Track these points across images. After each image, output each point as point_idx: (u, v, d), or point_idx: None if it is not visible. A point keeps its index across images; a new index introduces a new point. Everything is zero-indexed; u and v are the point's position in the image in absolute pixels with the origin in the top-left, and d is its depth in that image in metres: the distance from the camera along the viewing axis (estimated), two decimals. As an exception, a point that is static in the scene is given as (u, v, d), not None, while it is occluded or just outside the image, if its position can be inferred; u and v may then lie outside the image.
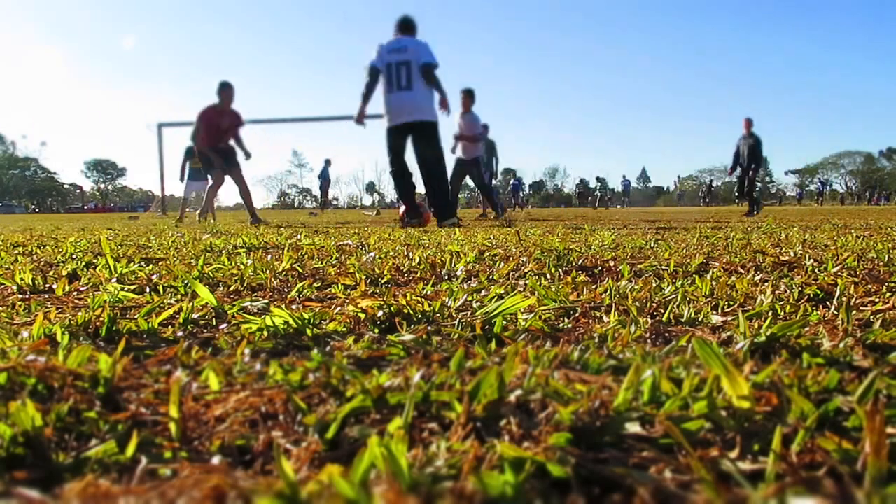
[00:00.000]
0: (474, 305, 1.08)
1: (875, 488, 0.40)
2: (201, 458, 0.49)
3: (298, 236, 3.37)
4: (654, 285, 1.30)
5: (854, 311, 1.00)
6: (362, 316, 1.01)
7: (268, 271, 1.57)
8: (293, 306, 1.13)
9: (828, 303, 1.14)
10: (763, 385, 0.59)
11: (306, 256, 2.09)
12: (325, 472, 0.40)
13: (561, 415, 0.52)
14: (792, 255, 1.97)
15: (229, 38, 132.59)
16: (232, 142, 7.22)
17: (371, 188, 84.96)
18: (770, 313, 0.98)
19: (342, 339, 0.88)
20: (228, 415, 0.57)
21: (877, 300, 1.12)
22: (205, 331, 0.95)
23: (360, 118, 5.47)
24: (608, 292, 1.19)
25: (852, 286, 1.26)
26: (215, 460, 0.48)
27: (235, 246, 2.64)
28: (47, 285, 1.43)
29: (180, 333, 0.92)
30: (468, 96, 8.41)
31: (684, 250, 2.24)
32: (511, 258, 1.91)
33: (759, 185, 9.56)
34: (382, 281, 1.49)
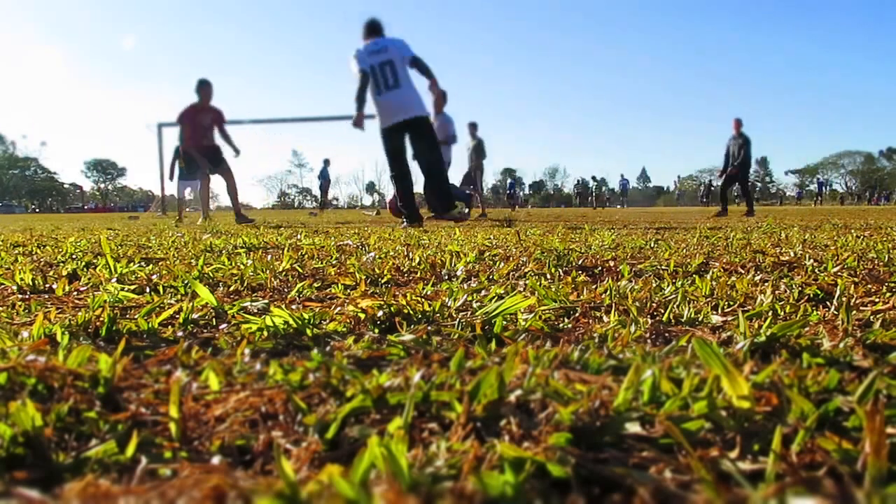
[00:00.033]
0: (474, 305, 1.08)
1: (875, 488, 0.40)
2: (201, 458, 0.49)
3: (298, 236, 3.37)
4: (654, 285, 1.30)
5: (854, 311, 1.00)
6: (362, 316, 1.00)
7: (268, 271, 1.57)
8: (293, 306, 1.13)
9: (828, 303, 1.14)
10: (763, 385, 0.59)
11: (306, 256, 2.09)
12: (325, 472, 0.40)
13: (561, 415, 0.52)
14: (792, 255, 1.97)
15: (229, 38, 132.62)
16: (219, 138, 7.17)
17: (371, 188, 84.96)
18: (770, 313, 0.98)
19: (342, 339, 0.88)
20: (228, 415, 0.57)
21: (877, 300, 1.12)
22: (205, 331, 0.95)
23: (360, 121, 5.41)
24: (608, 292, 1.19)
25: (852, 286, 1.26)
26: (215, 460, 0.48)
27: (235, 246, 2.64)
28: (47, 285, 1.43)
29: (180, 333, 0.92)
30: (440, 97, 8.38)
31: (684, 250, 2.24)
32: (511, 258, 1.91)
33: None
34: (382, 281, 1.49)
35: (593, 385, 0.60)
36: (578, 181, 35.85)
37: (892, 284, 1.33)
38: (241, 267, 1.68)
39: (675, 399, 0.55)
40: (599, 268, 1.72)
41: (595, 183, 33.94)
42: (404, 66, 5.27)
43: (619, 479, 0.43)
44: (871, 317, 0.97)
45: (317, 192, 17.50)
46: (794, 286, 1.29)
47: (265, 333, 0.89)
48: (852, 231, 3.61)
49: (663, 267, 1.69)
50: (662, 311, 1.06)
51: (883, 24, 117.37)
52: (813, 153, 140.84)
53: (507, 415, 0.54)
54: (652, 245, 2.47)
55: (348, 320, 0.99)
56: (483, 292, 1.22)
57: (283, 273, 1.61)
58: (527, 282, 1.37)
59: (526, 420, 0.53)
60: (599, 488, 0.43)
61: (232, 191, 7.25)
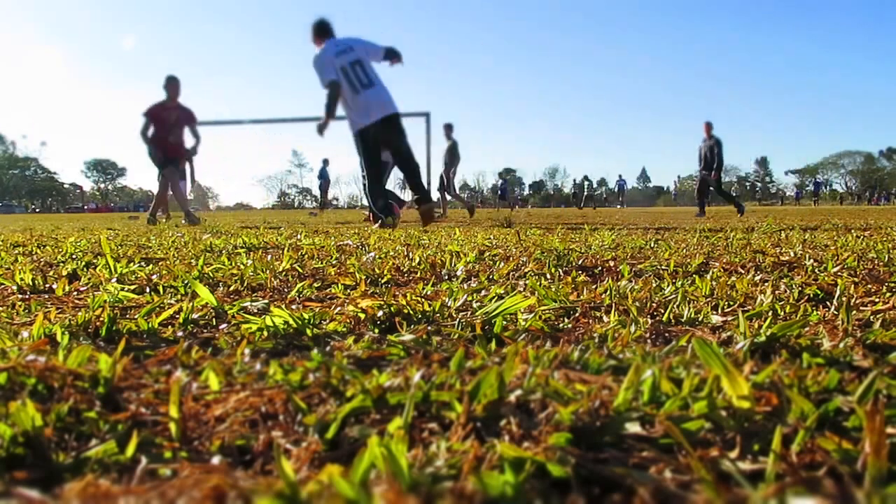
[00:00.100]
0: (474, 305, 1.08)
1: (875, 488, 0.40)
2: (201, 458, 0.49)
3: (298, 236, 3.37)
4: (654, 285, 1.30)
5: (854, 311, 1.00)
6: (362, 316, 1.00)
7: (268, 271, 1.57)
8: (293, 306, 1.13)
9: (828, 303, 1.14)
10: (763, 385, 0.59)
11: (306, 256, 2.09)
12: (325, 472, 0.40)
13: (561, 415, 0.52)
14: (792, 255, 1.97)
15: (229, 38, 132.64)
16: (188, 136, 7.22)
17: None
18: (770, 313, 0.98)
19: (342, 339, 0.88)
20: (228, 415, 0.57)
21: (877, 300, 1.12)
22: (205, 331, 0.95)
23: (323, 129, 5.32)
24: (608, 292, 1.19)
25: (852, 286, 1.26)
26: (215, 460, 0.48)
27: (235, 246, 2.64)
28: (47, 285, 1.43)
29: (180, 333, 0.92)
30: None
31: (684, 250, 2.24)
32: (511, 258, 1.91)
33: (712, 187, 9.58)
34: (382, 281, 1.49)
35: (593, 385, 0.60)
36: (575, 182, 35.57)
37: (892, 284, 1.33)
38: (241, 267, 1.68)
39: (675, 399, 0.55)
40: (599, 268, 1.72)
41: (588, 183, 33.63)
42: (371, 62, 5.24)
43: (619, 479, 0.43)
44: (871, 317, 0.97)
45: (317, 192, 17.47)
46: (794, 286, 1.29)
47: (265, 333, 0.89)
48: (852, 231, 3.61)
49: (663, 267, 1.69)
50: (662, 311, 1.06)
51: (883, 24, 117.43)
52: (813, 153, 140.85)
53: (507, 415, 0.54)
54: (652, 245, 2.47)
55: (348, 320, 0.99)
56: (483, 292, 1.22)
57: (283, 273, 1.61)
58: (527, 282, 1.37)
59: (526, 420, 0.53)
60: (599, 488, 0.43)
61: (176, 192, 7.27)
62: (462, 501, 0.39)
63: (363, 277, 1.44)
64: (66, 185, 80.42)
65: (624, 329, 0.87)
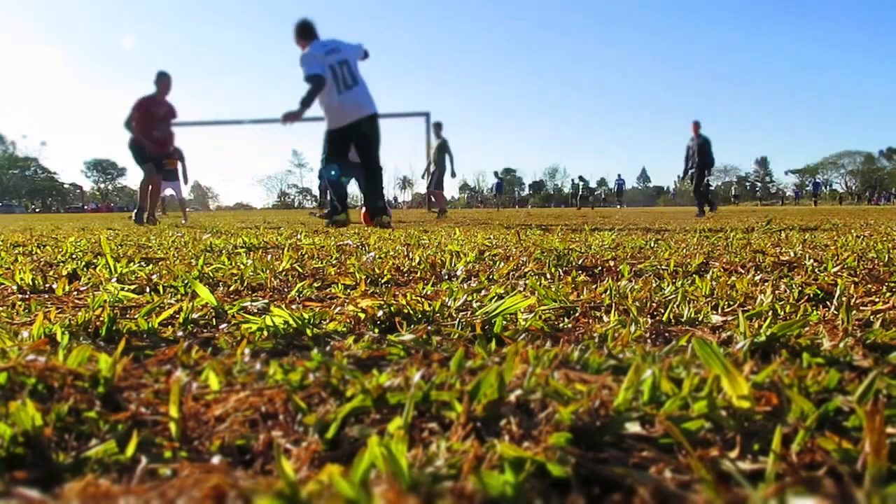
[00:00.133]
0: (474, 305, 1.08)
1: (875, 488, 0.40)
2: (201, 458, 0.49)
3: (298, 236, 3.37)
4: (654, 285, 1.30)
5: (854, 311, 1.00)
6: (362, 316, 1.00)
7: (268, 271, 1.57)
8: (293, 306, 1.13)
9: (828, 303, 1.14)
10: (763, 385, 0.59)
11: (306, 256, 2.09)
12: (325, 472, 0.40)
13: (561, 415, 0.52)
14: (792, 255, 1.97)
15: (229, 38, 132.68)
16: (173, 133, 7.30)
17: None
18: (770, 313, 0.98)
19: (342, 338, 0.88)
20: (228, 415, 0.57)
21: (877, 300, 1.12)
22: (205, 331, 0.95)
23: (294, 120, 5.27)
24: (608, 292, 1.19)
25: (852, 286, 1.26)
26: (215, 460, 0.48)
27: (235, 246, 2.64)
28: (47, 285, 1.43)
29: (180, 333, 0.92)
30: None
31: (684, 250, 2.24)
32: (511, 258, 1.91)
33: (711, 185, 9.58)
34: (382, 281, 1.49)
35: (593, 385, 0.60)
36: (573, 182, 35.32)
37: (892, 284, 1.33)
38: (241, 267, 1.68)
39: (675, 399, 0.55)
40: (599, 268, 1.72)
41: (582, 183, 33.41)
42: (357, 63, 5.29)
43: (619, 479, 0.43)
44: (871, 317, 0.97)
45: (316, 191, 17.45)
46: (794, 286, 1.29)
47: (265, 333, 0.89)
48: (852, 231, 3.61)
49: (663, 267, 1.69)
50: (662, 311, 1.06)
51: (883, 24, 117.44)
52: (813, 153, 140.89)
53: (507, 415, 0.54)
54: (652, 245, 2.47)
55: (348, 320, 0.99)
56: (483, 292, 1.22)
57: (283, 273, 1.61)
58: (527, 282, 1.37)
59: (526, 420, 0.53)
60: (599, 488, 0.43)
61: (144, 192, 7.29)
62: (462, 501, 0.39)
63: (363, 277, 1.44)
64: (66, 185, 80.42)
65: (624, 329, 0.87)
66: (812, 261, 1.73)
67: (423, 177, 10.91)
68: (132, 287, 1.33)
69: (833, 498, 0.39)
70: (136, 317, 0.99)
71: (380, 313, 0.99)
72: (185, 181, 10.19)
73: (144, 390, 0.64)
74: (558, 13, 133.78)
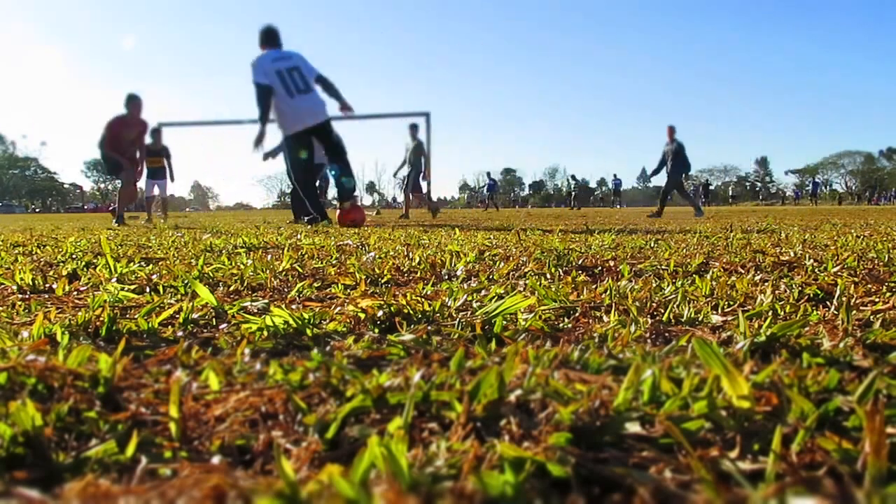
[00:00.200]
0: (474, 305, 1.08)
1: (875, 488, 0.40)
2: (201, 458, 0.49)
3: (298, 236, 3.37)
4: (654, 285, 1.30)
5: (854, 311, 1.00)
6: (362, 316, 1.00)
7: (268, 271, 1.57)
8: (293, 306, 1.13)
9: (828, 303, 1.14)
10: (763, 385, 0.59)
11: (306, 256, 2.09)
12: (325, 472, 0.40)
13: (561, 415, 0.52)
14: (792, 255, 1.97)
15: (229, 38, 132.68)
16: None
17: (371, 188, 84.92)
18: (770, 313, 0.98)
19: (342, 338, 0.88)
20: (228, 415, 0.57)
21: (877, 300, 1.12)
22: (205, 331, 0.95)
23: (261, 141, 5.35)
24: (608, 292, 1.19)
25: (852, 286, 1.26)
26: (215, 460, 0.48)
27: (235, 246, 2.64)
28: (47, 285, 1.43)
29: (180, 333, 0.92)
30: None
31: (684, 250, 2.24)
32: (511, 258, 1.91)
33: (691, 188, 9.57)
34: (382, 281, 1.49)
35: (593, 385, 0.60)
36: (569, 183, 35.08)
37: (892, 284, 1.33)
38: (241, 267, 1.68)
39: (675, 399, 0.55)
40: (599, 268, 1.72)
41: (574, 182, 33.24)
42: (309, 74, 5.33)
43: (619, 479, 0.43)
44: (871, 317, 0.97)
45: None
46: (794, 286, 1.29)
47: (265, 333, 0.89)
48: (852, 231, 3.61)
49: (663, 267, 1.69)
50: (662, 311, 1.06)
51: (883, 24, 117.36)
52: (813, 153, 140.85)
53: (507, 415, 0.54)
54: (652, 245, 2.47)
55: (348, 320, 0.99)
56: (483, 292, 1.22)
57: (283, 273, 1.61)
58: (527, 282, 1.37)
59: (526, 420, 0.53)
60: (599, 488, 0.43)
61: (123, 198, 7.48)
62: (462, 501, 0.39)
63: (363, 277, 1.44)
64: (66, 185, 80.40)
65: (624, 329, 0.87)
66: (812, 261, 1.73)
67: (394, 175, 10.98)
68: (132, 287, 1.33)
69: (833, 498, 0.39)
70: (136, 317, 0.99)
71: (380, 313, 0.99)
72: (172, 179, 10.23)
73: (144, 390, 0.64)
74: (558, 13, 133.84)
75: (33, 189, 75.29)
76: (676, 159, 9.78)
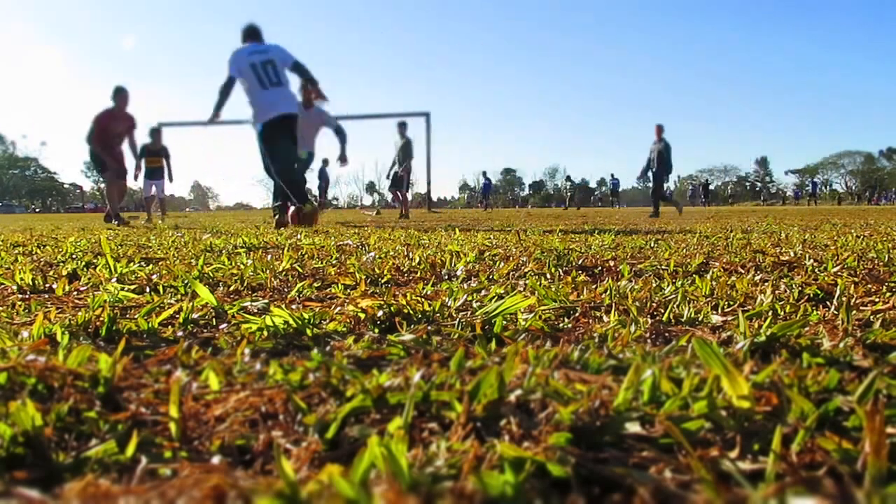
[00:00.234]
0: (474, 305, 1.08)
1: (875, 488, 0.40)
2: (201, 458, 0.49)
3: (298, 236, 3.37)
4: (654, 285, 1.30)
5: (854, 311, 1.00)
6: (362, 316, 1.00)
7: (268, 271, 1.57)
8: (293, 306, 1.13)
9: (828, 303, 1.14)
10: (763, 385, 0.59)
11: (306, 256, 2.09)
12: (325, 472, 0.40)
13: (561, 415, 0.52)
14: (792, 255, 1.97)
15: (229, 39, 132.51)
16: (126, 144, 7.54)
17: (371, 188, 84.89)
18: (770, 313, 0.98)
19: (342, 338, 0.88)
20: (228, 414, 0.57)
21: (877, 300, 1.12)
22: (205, 331, 0.95)
23: (215, 119, 5.48)
24: (608, 292, 1.19)
25: (852, 286, 1.26)
26: (215, 460, 0.48)
27: (235, 246, 2.64)
28: (47, 285, 1.43)
29: (180, 333, 0.92)
30: (321, 96, 7.98)
31: (684, 250, 2.24)
32: (511, 258, 1.91)
33: (668, 188, 9.58)
34: (382, 281, 1.49)
35: (593, 385, 0.60)
36: (568, 182, 35.03)
37: (892, 284, 1.33)
38: (241, 267, 1.68)
39: (675, 399, 0.55)
40: (599, 268, 1.72)
41: (570, 184, 33.19)
42: (284, 69, 5.42)
43: (619, 479, 0.43)
44: (871, 317, 0.97)
45: (316, 192, 17.41)
46: (794, 286, 1.29)
47: (265, 333, 0.89)
48: (852, 231, 3.61)
49: (663, 267, 1.69)
50: (662, 311, 1.06)
51: (883, 24, 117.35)
52: (813, 153, 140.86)
53: (507, 415, 0.54)
54: (652, 245, 2.47)
55: (348, 320, 0.99)
56: (483, 292, 1.22)
57: (283, 273, 1.61)
58: (527, 282, 1.37)
59: (526, 420, 0.53)
60: (599, 488, 0.43)
61: (111, 196, 7.53)
62: (462, 501, 0.39)
63: (363, 277, 1.44)
64: (66, 185, 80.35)
65: (624, 329, 0.87)
66: (812, 261, 1.73)
67: (387, 177, 10.99)
68: (132, 287, 1.33)
69: (833, 498, 0.39)
70: (136, 317, 0.99)
71: (380, 313, 0.99)
72: (171, 179, 10.25)
73: (144, 390, 0.64)
74: (558, 13, 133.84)
75: (33, 189, 75.27)
76: (661, 159, 9.79)
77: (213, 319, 1.02)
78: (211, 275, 1.56)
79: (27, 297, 1.29)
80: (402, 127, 10.47)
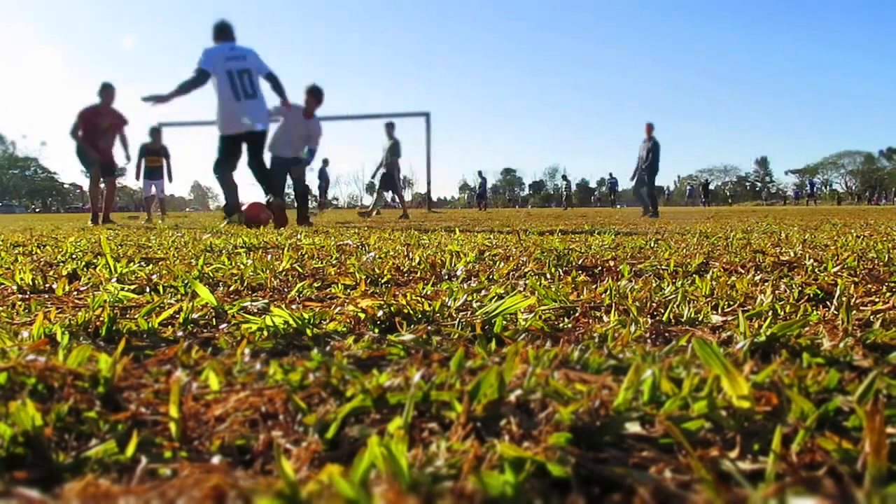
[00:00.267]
0: (474, 305, 1.08)
1: (875, 488, 0.40)
2: (201, 458, 0.49)
3: (298, 236, 3.37)
4: (654, 285, 1.30)
5: (854, 311, 1.00)
6: (362, 316, 1.00)
7: (268, 271, 1.57)
8: (293, 306, 1.13)
9: (828, 303, 1.14)
10: (763, 385, 0.59)
11: (306, 256, 2.09)
12: (325, 472, 0.40)
13: (561, 415, 0.52)
14: (792, 255, 1.97)
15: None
16: (118, 144, 7.55)
17: (371, 188, 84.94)
18: (770, 313, 0.98)
19: (342, 338, 0.88)
20: (228, 414, 0.57)
21: (877, 300, 1.12)
22: (205, 331, 0.95)
23: (160, 102, 5.35)
24: (608, 292, 1.19)
25: (852, 286, 1.26)
26: (215, 460, 0.48)
27: (235, 246, 2.64)
28: (47, 285, 1.43)
29: (180, 333, 0.92)
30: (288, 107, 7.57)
31: (684, 250, 2.24)
32: (511, 258, 1.91)
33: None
34: (382, 281, 1.49)
35: (593, 385, 0.60)
36: (565, 181, 34.95)
37: (892, 284, 1.33)
38: (241, 267, 1.68)
39: (675, 399, 0.55)
40: (599, 268, 1.72)
41: (566, 183, 33.14)
42: (258, 77, 5.40)
43: (619, 479, 0.43)
44: (871, 317, 0.97)
45: (316, 192, 17.39)
46: (794, 286, 1.29)
47: (265, 333, 0.89)
48: (852, 231, 3.61)
49: (663, 267, 1.69)
50: (662, 311, 1.05)
51: (883, 24, 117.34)
52: (813, 153, 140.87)
53: (507, 415, 0.54)
54: (652, 245, 2.47)
55: (348, 320, 0.99)
56: (483, 292, 1.22)
57: (283, 273, 1.61)
58: (527, 282, 1.37)
59: (526, 420, 0.53)
60: (599, 488, 0.43)
61: (108, 198, 7.53)
62: (462, 501, 0.39)
63: (363, 277, 1.44)
64: (66, 185, 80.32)
65: (624, 329, 0.87)
66: (812, 261, 1.73)
67: (372, 177, 11.02)
68: (132, 287, 1.33)
69: (833, 498, 0.39)
70: (136, 317, 0.99)
71: (380, 313, 0.99)
72: (171, 179, 10.25)
73: (144, 390, 0.64)
74: (558, 13, 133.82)
75: (33, 189, 75.27)
76: (649, 158, 9.77)
77: (213, 319, 1.02)
78: (211, 275, 1.56)
79: (27, 297, 1.29)
80: (390, 128, 10.48)
